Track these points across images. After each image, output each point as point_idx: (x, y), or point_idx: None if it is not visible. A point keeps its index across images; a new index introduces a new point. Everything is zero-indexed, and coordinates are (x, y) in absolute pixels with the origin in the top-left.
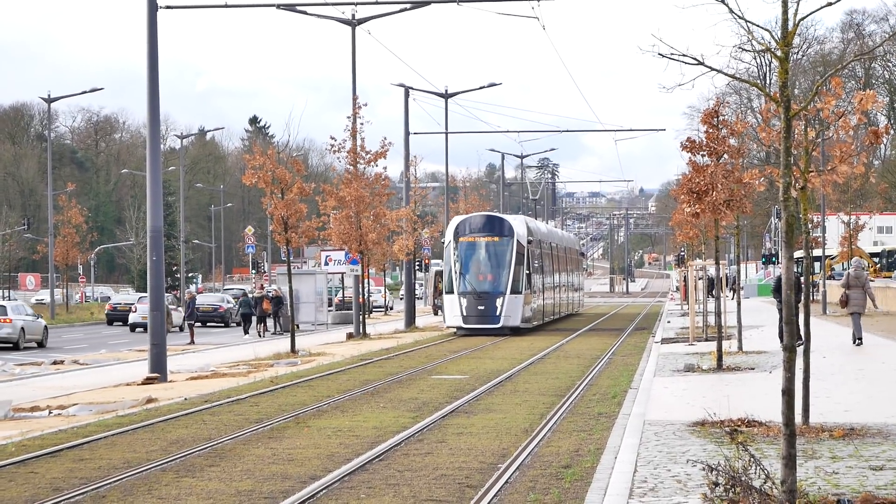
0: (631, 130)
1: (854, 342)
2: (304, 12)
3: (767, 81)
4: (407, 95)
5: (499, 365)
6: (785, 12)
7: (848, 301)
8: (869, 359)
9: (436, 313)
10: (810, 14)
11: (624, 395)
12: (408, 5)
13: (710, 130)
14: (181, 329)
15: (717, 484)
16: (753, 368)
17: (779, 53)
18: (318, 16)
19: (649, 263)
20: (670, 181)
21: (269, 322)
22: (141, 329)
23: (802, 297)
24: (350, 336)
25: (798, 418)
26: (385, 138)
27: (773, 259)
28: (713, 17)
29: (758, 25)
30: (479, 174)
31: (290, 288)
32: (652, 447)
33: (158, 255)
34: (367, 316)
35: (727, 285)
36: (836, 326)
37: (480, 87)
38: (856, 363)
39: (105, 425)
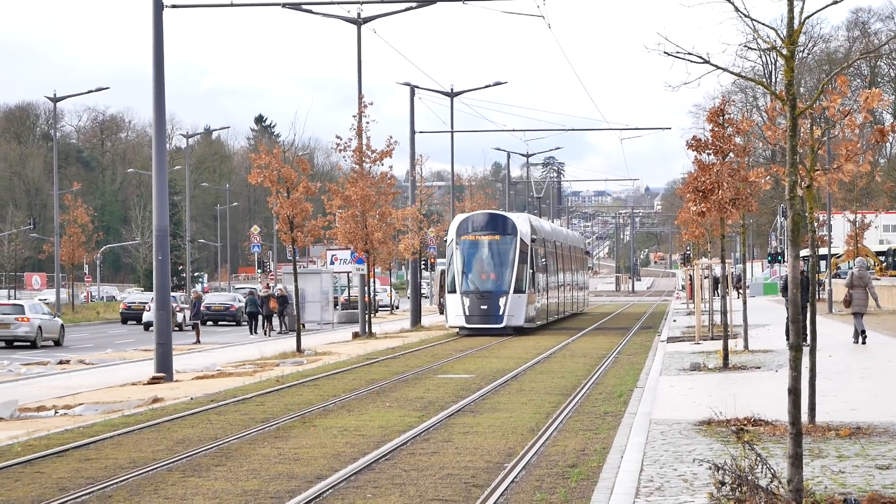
0: (636, 129)
1: (856, 340)
2: (310, 11)
3: (773, 80)
4: (413, 94)
5: (504, 364)
6: (790, 10)
7: (851, 300)
8: (875, 358)
9: (441, 312)
10: (816, 12)
11: (630, 395)
12: (413, 4)
13: (716, 129)
14: (193, 328)
15: (723, 483)
16: (759, 367)
17: (784, 52)
18: (324, 15)
19: (655, 262)
20: (676, 180)
21: (275, 321)
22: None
23: (809, 296)
24: (356, 335)
25: (804, 417)
26: (391, 137)
27: (779, 258)
28: (719, 16)
29: (763, 24)
30: (484, 173)
31: (296, 287)
32: (658, 446)
33: (164, 254)
34: (372, 315)
35: (732, 284)
36: (842, 325)
37: (486, 86)
38: (862, 362)
39: (111, 425)
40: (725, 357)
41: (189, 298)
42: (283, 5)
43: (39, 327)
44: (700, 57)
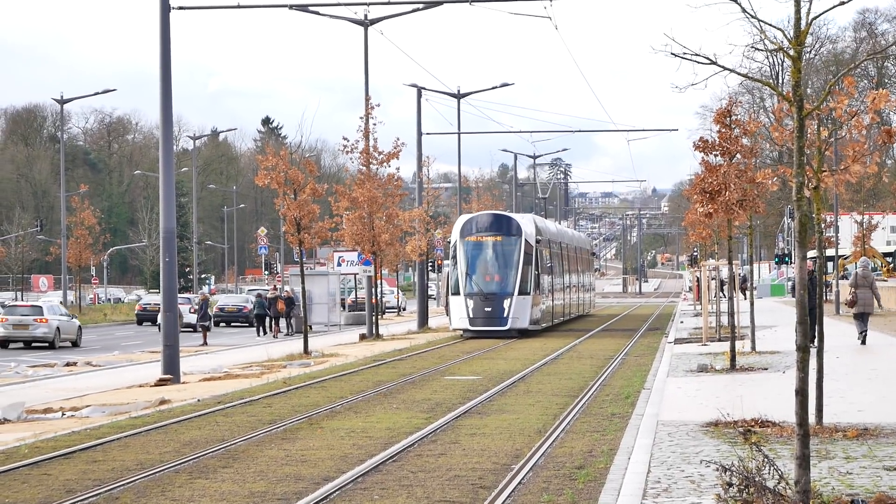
0: (643, 130)
1: (862, 341)
2: (317, 13)
3: (780, 81)
4: (419, 96)
5: (511, 366)
6: (798, 11)
7: (856, 300)
8: (882, 359)
9: (448, 314)
10: (823, 13)
11: (637, 396)
12: (420, 5)
13: (723, 130)
14: (208, 329)
15: (730, 484)
16: (767, 368)
17: (791, 53)
18: (331, 16)
19: (662, 264)
20: (683, 181)
21: (282, 323)
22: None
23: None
24: (363, 337)
25: (812, 418)
26: (398, 139)
27: (787, 259)
28: (726, 17)
29: (770, 25)
30: (491, 174)
31: (303, 289)
32: (665, 448)
33: (171, 256)
34: (379, 317)
35: (738, 286)
36: (850, 326)
37: (493, 88)
38: (869, 363)
39: (118, 427)
40: (733, 358)
41: (196, 300)
42: (290, 7)
43: (58, 328)
44: (707, 58)
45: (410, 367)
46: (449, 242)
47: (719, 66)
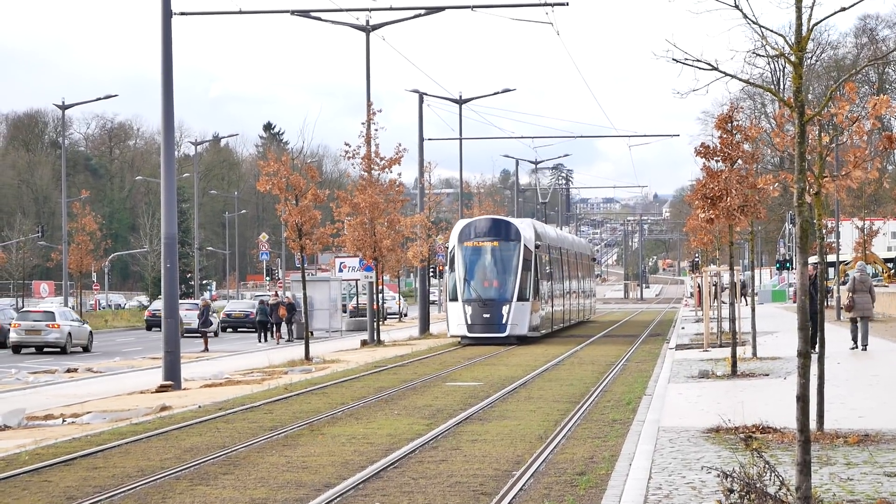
0: (645, 136)
1: (864, 347)
2: (319, 18)
3: (781, 86)
4: (421, 101)
5: (513, 372)
6: (799, 17)
7: (854, 305)
8: (883, 364)
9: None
10: (824, 19)
11: (638, 402)
12: (422, 11)
13: (724, 136)
14: (216, 334)
15: (731, 490)
16: (768, 374)
17: (793, 58)
18: (333, 22)
19: (664, 269)
20: (684, 187)
21: (283, 329)
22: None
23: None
24: (364, 343)
25: (813, 424)
26: (399, 144)
27: (788, 265)
28: (727, 23)
29: (772, 30)
30: (493, 180)
31: (305, 295)
32: (667, 454)
33: (172, 262)
34: (381, 323)
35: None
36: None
37: (495, 93)
38: (870, 369)
39: (119, 433)
40: (734, 364)
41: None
42: (292, 12)
43: (69, 333)
44: (708, 64)
45: (412, 373)
46: (447, 247)
47: (721, 71)
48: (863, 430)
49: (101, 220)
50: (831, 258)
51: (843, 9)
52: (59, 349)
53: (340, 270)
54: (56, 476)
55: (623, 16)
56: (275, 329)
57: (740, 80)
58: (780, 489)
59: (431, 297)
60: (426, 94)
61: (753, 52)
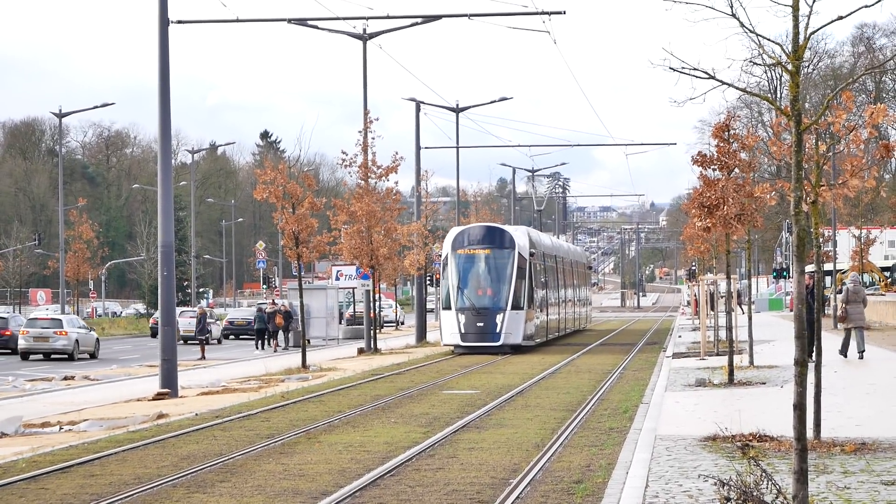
0: (642, 144)
1: (860, 356)
2: (316, 27)
3: (778, 95)
4: (418, 110)
5: (509, 380)
6: (796, 26)
7: (847, 316)
8: (880, 373)
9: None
10: (821, 28)
11: (635, 410)
12: (419, 20)
13: (721, 144)
14: (219, 341)
15: (728, 499)
16: (765, 383)
17: (790, 67)
18: (330, 30)
19: (660, 278)
20: (681, 195)
21: (280, 337)
22: (180, 341)
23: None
24: (361, 351)
25: (809, 433)
26: (396, 153)
27: (785, 273)
28: (724, 32)
29: (769, 39)
30: (490, 188)
31: (301, 303)
32: (663, 462)
33: (169, 270)
34: (378, 331)
35: (736, 300)
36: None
37: (491, 102)
38: (867, 377)
39: (116, 441)
40: (731, 373)
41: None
42: (289, 21)
43: (77, 340)
44: (705, 72)
45: (408, 382)
46: (441, 255)
47: (717, 80)
48: (860, 439)
49: (97, 228)
50: (828, 267)
51: (841, 17)
52: (66, 356)
53: (337, 279)
54: (53, 483)
55: (620, 25)
56: (271, 337)
57: (737, 88)
58: (776, 497)
59: (428, 306)
60: (423, 103)
61: (750, 61)
